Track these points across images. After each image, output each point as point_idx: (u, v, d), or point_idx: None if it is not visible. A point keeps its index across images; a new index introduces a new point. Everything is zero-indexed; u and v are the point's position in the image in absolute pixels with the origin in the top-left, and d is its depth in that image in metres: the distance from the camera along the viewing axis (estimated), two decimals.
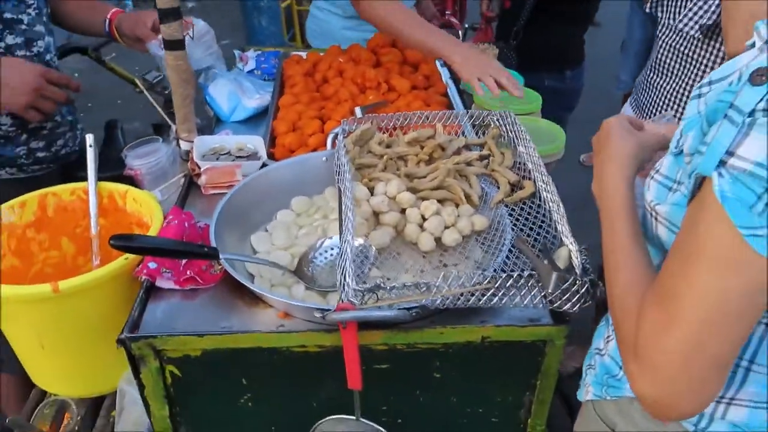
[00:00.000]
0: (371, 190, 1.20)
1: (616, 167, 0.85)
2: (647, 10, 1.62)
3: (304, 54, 1.93)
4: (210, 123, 1.68)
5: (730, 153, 0.60)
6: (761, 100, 0.59)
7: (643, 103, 1.71)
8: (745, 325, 0.64)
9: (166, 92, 2.31)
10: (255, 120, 1.68)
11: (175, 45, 1.29)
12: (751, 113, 0.59)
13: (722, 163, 0.61)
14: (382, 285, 0.91)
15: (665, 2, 1.57)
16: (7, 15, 1.35)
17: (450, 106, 1.69)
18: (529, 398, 1.09)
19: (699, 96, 0.71)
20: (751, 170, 0.58)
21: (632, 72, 2.19)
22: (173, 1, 1.25)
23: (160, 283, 1.04)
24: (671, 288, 0.65)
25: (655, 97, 1.65)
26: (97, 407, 1.21)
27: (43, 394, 1.22)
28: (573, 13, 2.21)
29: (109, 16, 1.60)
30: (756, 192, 0.58)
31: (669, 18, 1.54)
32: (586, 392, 0.96)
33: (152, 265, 1.04)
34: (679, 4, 1.52)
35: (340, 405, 1.01)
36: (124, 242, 0.95)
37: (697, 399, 0.66)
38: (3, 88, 1.27)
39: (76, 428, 1.14)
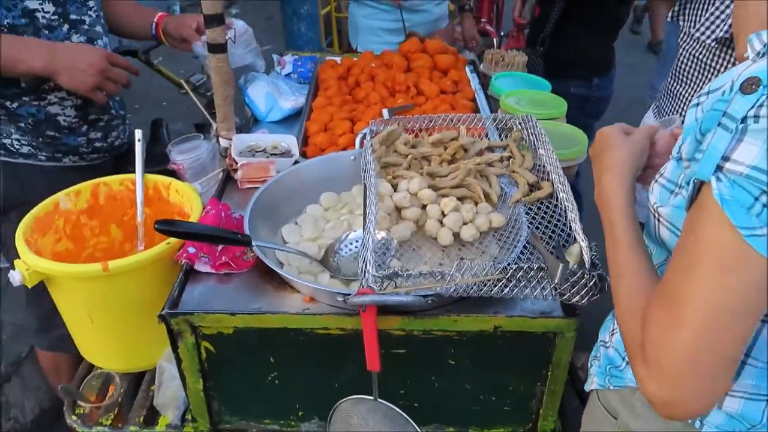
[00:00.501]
0: (395, 187, 1.27)
1: (612, 176, 0.88)
2: (668, 20, 1.65)
3: (338, 59, 2.02)
4: (248, 122, 1.78)
5: (725, 158, 0.63)
6: (752, 107, 0.62)
7: (664, 110, 1.74)
8: (748, 323, 0.66)
9: (209, 94, 2.44)
10: (290, 120, 1.77)
11: (217, 48, 1.39)
12: (743, 120, 0.63)
13: (719, 168, 0.64)
14: (400, 273, 0.98)
15: (686, 11, 1.60)
16: (73, 16, 1.47)
17: (476, 111, 1.75)
18: (541, 389, 1.14)
19: (697, 105, 0.75)
20: (747, 173, 0.61)
21: None
22: (217, 7, 1.35)
23: (198, 266, 1.13)
24: (674, 290, 0.67)
25: (674, 104, 1.68)
26: (137, 382, 1.31)
27: (91, 367, 1.32)
28: (600, 21, 2.24)
29: (155, 20, 1.71)
30: (753, 194, 0.61)
31: (689, 26, 1.57)
32: (591, 382, 1.01)
33: (191, 250, 1.13)
34: (698, 13, 1.54)
35: (359, 387, 1.07)
36: (167, 227, 1.04)
37: (706, 397, 0.67)
38: (72, 71, 1.35)
39: (119, 399, 1.24)
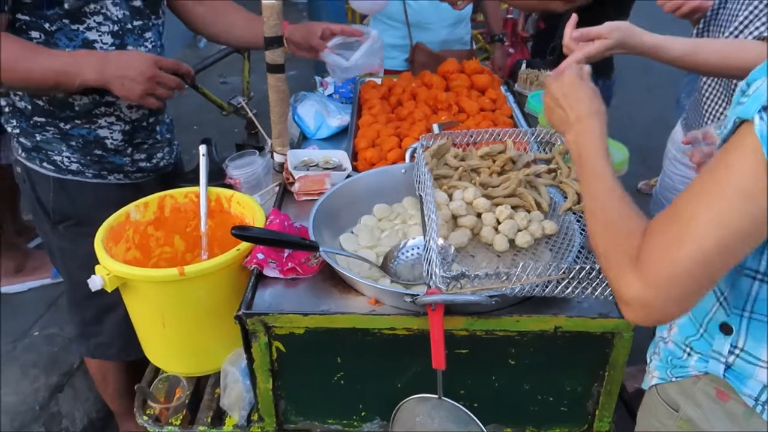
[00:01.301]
0: (450, 197, 1.33)
1: (594, 123, 0.99)
2: (694, 34, 1.71)
3: (378, 80, 2.10)
4: (295, 139, 1.85)
5: None
6: None
7: (692, 124, 1.79)
8: (748, 250, 0.74)
9: (247, 116, 2.53)
10: (336, 138, 1.84)
11: (276, 69, 1.47)
12: None
13: (764, 109, 0.69)
14: (466, 273, 1.03)
15: (710, 27, 1.66)
16: (130, 47, 1.53)
17: (515, 127, 1.81)
18: (597, 389, 1.17)
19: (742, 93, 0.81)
20: None
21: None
22: (277, 30, 1.43)
23: (267, 272, 1.19)
24: (691, 209, 0.73)
25: (699, 118, 1.74)
26: (198, 385, 1.36)
27: (156, 372, 1.37)
28: None
29: None
30: None
31: None
32: (651, 378, 1.04)
33: (260, 256, 1.19)
34: (722, 26, 1.60)
35: (420, 387, 1.12)
36: (243, 231, 1.10)
37: (686, 306, 0.76)
38: (123, 80, 1.34)
39: (186, 401, 1.28)
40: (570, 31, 1.39)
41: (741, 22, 1.57)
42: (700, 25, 1.75)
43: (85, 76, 1.35)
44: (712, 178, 0.73)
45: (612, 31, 1.34)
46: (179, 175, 1.87)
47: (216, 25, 1.76)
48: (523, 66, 2.41)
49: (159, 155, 1.72)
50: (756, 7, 1.55)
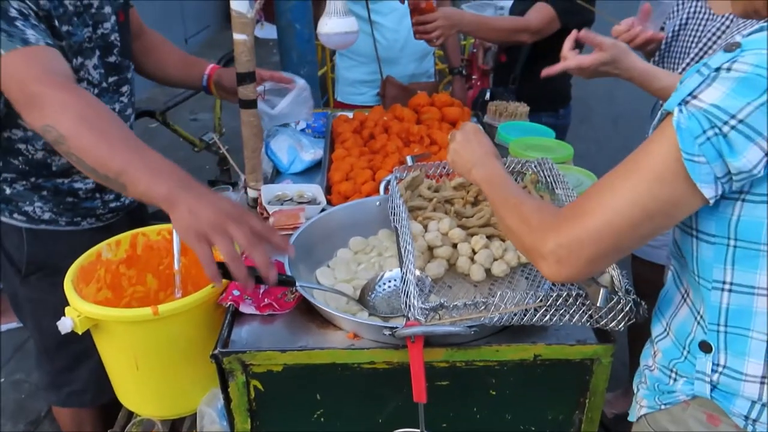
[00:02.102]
0: (425, 228, 1.33)
1: (497, 160, 1.14)
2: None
3: (350, 114, 2.13)
4: (268, 174, 1.85)
5: (693, 96, 0.76)
6: (727, 61, 0.75)
7: None
8: (654, 230, 0.82)
9: (220, 152, 2.53)
10: (309, 172, 1.85)
11: (249, 104, 1.47)
12: (717, 69, 0.76)
13: (685, 102, 0.77)
14: (444, 304, 1.03)
15: (665, 58, 1.72)
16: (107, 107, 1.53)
17: None
18: (579, 417, 1.17)
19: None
20: (705, 108, 0.74)
21: None
22: (250, 66, 1.44)
23: (243, 308, 1.17)
24: (609, 185, 0.82)
25: None
26: (173, 428, 1.31)
27: (130, 416, 1.33)
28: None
29: (208, 72, 1.73)
30: (703, 127, 0.75)
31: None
32: (639, 408, 1.04)
33: (236, 292, 1.18)
34: (676, 60, 1.66)
35: (402, 422, 1.10)
36: (220, 268, 1.08)
37: (596, 267, 0.87)
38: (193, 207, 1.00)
39: None
40: (570, 44, 1.44)
41: (692, 59, 1.63)
42: (656, 58, 1.82)
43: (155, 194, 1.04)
44: (633, 161, 0.82)
45: (611, 46, 1.40)
46: (145, 212, 1.85)
47: (147, 64, 1.74)
48: (487, 95, 2.48)
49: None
50: (705, 44, 1.62)
